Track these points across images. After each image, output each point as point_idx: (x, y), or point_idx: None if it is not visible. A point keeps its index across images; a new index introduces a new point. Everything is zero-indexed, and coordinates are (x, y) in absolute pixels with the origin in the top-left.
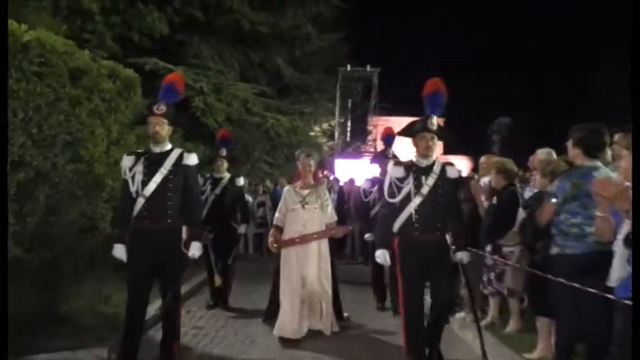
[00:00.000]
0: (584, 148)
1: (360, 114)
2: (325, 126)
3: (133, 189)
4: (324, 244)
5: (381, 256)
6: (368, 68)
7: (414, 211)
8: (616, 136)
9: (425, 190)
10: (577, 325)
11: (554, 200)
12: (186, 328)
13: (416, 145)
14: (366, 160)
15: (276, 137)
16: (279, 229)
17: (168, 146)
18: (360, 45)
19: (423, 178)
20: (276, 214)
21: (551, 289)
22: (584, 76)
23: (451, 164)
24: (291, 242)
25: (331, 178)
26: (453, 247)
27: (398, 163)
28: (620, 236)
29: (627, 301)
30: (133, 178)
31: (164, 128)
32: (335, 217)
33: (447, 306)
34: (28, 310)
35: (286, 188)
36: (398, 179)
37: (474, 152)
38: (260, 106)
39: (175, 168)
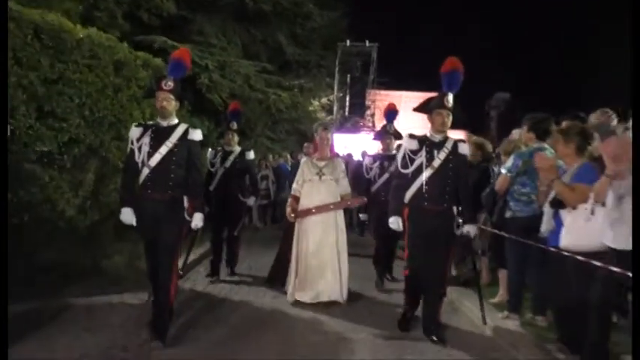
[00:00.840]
0: (535, 133)
1: (359, 89)
2: (324, 100)
3: (139, 159)
4: (340, 216)
5: (394, 222)
6: (367, 43)
7: (424, 183)
8: (563, 123)
9: (436, 163)
10: (523, 273)
11: (509, 174)
12: (205, 282)
13: (432, 120)
14: (364, 135)
15: (277, 113)
16: (297, 199)
17: (175, 120)
18: (359, 20)
19: (436, 152)
20: (294, 185)
21: (506, 245)
22: (582, 54)
23: (463, 141)
24: (308, 212)
25: None
26: (460, 219)
27: (412, 136)
28: (549, 199)
29: (553, 249)
30: (139, 148)
31: (171, 103)
32: (349, 189)
33: (441, 272)
34: (79, 262)
35: (303, 160)
36: (411, 151)
37: (471, 127)
38: (262, 82)
39: (180, 142)
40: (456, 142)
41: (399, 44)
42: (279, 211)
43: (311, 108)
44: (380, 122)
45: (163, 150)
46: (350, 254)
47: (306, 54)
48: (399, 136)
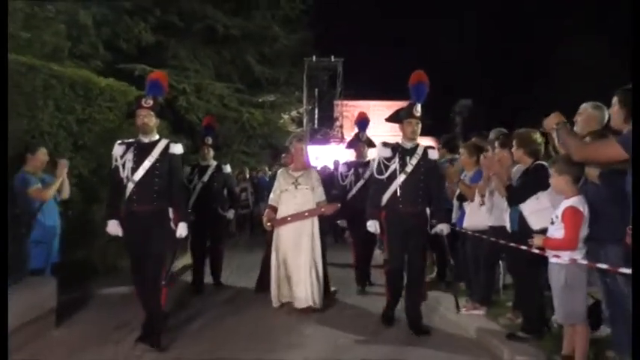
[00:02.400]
0: (447, 148)
1: (327, 102)
2: (294, 113)
3: (123, 175)
4: (315, 223)
5: (372, 225)
6: (332, 58)
7: (398, 187)
8: (473, 139)
9: (409, 168)
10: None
11: None
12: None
13: (403, 129)
14: (333, 146)
15: (251, 129)
16: (274, 209)
17: (156, 136)
18: (325, 36)
19: (408, 158)
20: (271, 195)
21: None
22: (541, 59)
23: (432, 147)
24: (284, 221)
25: None
26: (433, 220)
27: (386, 144)
28: (456, 195)
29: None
30: (123, 165)
31: (152, 120)
32: (324, 197)
33: (420, 269)
34: (104, 261)
35: (280, 171)
36: (385, 159)
37: (438, 133)
38: (235, 101)
39: (162, 156)
40: (426, 149)
41: (364, 58)
42: (257, 220)
43: (281, 121)
44: (348, 132)
45: (147, 164)
46: (328, 263)
47: (274, 72)
48: (371, 143)
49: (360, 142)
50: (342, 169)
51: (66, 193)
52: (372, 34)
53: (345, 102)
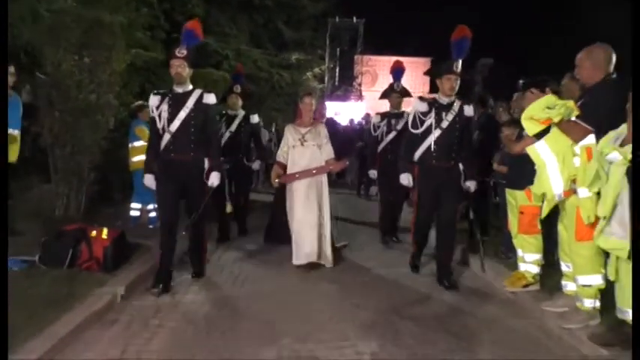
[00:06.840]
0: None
1: (347, 61)
2: (317, 70)
3: (159, 125)
4: (324, 180)
5: (405, 178)
6: (354, 19)
7: (433, 142)
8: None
9: (444, 124)
10: None
11: None
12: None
13: (441, 85)
14: (352, 103)
15: (279, 89)
16: (281, 165)
17: (190, 87)
18: None
19: (444, 114)
20: (279, 152)
21: None
22: (562, 19)
23: (468, 104)
24: (292, 177)
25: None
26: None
27: (422, 98)
28: None
29: None
30: (159, 116)
31: (185, 70)
32: (332, 154)
33: (451, 224)
34: None
35: (287, 126)
36: (421, 113)
37: (458, 91)
38: (266, 62)
39: (196, 106)
40: (462, 105)
41: (384, 20)
42: None
43: (304, 78)
44: (366, 88)
45: (182, 115)
46: (350, 220)
47: (300, 34)
48: (406, 93)
49: (395, 93)
50: (374, 119)
51: None
52: None
53: (367, 57)
